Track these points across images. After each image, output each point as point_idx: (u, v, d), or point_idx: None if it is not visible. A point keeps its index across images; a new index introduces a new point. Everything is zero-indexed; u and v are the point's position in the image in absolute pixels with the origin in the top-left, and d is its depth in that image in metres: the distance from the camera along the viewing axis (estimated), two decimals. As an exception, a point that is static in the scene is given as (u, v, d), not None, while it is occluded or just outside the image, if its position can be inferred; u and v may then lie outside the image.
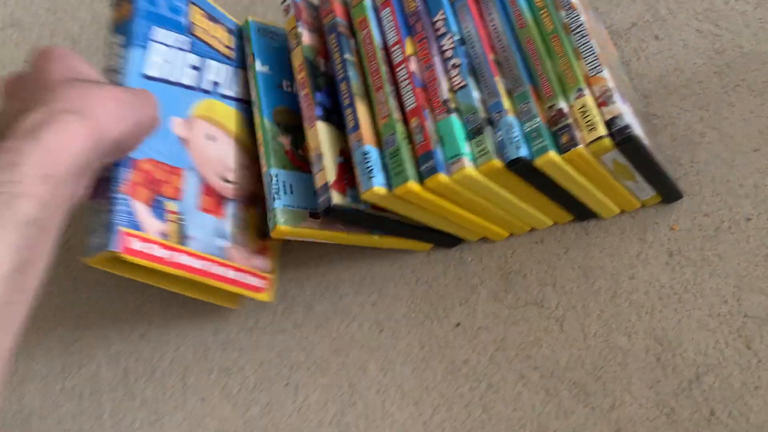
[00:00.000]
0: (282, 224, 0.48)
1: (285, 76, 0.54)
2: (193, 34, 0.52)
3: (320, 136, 0.48)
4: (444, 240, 0.53)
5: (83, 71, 0.40)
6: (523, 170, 0.42)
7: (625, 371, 0.48)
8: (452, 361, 0.51)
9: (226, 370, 0.53)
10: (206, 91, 0.52)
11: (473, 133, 0.43)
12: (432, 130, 0.44)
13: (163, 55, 0.49)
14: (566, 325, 0.50)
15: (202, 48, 0.53)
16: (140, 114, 0.41)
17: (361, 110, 0.47)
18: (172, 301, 0.56)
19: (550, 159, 0.41)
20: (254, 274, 0.50)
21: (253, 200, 0.52)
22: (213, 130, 0.52)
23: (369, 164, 0.45)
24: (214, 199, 0.50)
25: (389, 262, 0.55)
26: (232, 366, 0.53)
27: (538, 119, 0.42)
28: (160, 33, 0.50)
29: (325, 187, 0.48)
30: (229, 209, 0.51)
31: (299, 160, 0.52)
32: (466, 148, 0.43)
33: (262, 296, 0.50)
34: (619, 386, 0.47)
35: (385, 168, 0.45)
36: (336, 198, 0.49)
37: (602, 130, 0.40)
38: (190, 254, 0.46)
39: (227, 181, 0.51)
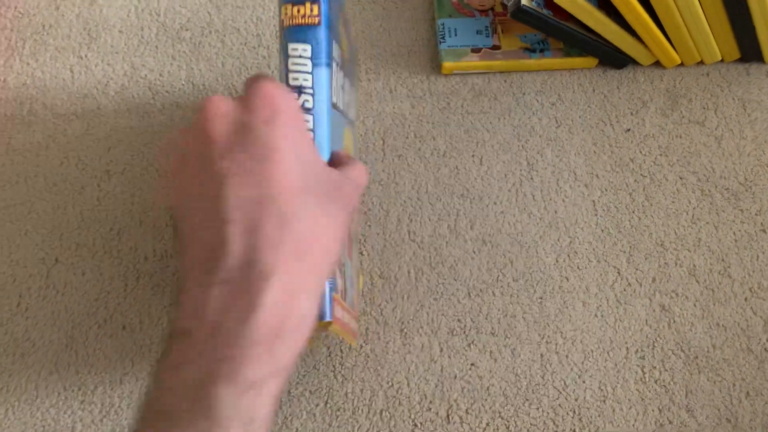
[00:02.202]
0: (447, 61, 0.60)
1: None
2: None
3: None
4: (614, 58, 0.60)
5: (260, 154, 0.29)
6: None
7: (773, 185, 0.56)
8: (620, 158, 0.58)
9: (421, 138, 0.59)
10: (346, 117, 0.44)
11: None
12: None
13: (335, 75, 0.40)
14: (724, 143, 0.58)
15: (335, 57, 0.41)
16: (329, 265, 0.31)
17: None
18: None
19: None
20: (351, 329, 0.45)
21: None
22: None
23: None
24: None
25: (569, 73, 0.62)
26: (426, 135, 0.59)
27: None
28: (334, 48, 0.40)
29: (515, -8, 0.56)
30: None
31: (464, 8, 0.63)
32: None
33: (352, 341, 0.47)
34: (767, 197, 0.56)
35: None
36: (524, 0, 0.56)
37: None
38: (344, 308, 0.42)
39: None
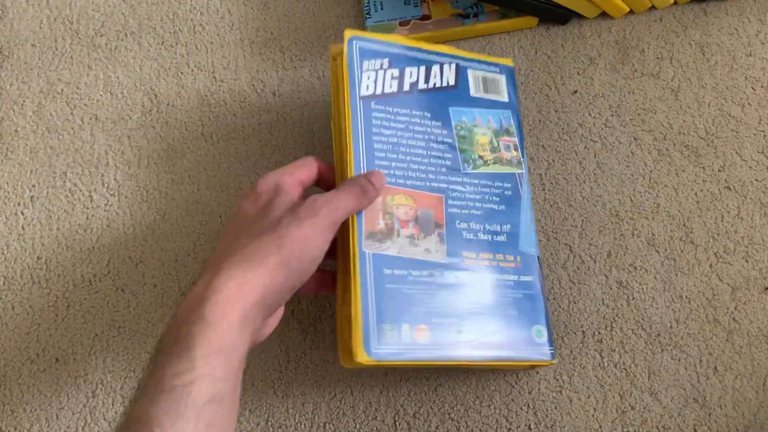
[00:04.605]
0: None
1: None
2: None
3: None
4: (556, 14, 0.55)
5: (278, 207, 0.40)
6: None
7: (737, 137, 0.52)
8: (568, 123, 0.54)
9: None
10: None
11: None
12: None
13: None
14: (681, 94, 0.53)
15: None
16: (309, 257, 0.39)
17: None
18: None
19: None
20: None
21: None
22: None
23: None
24: None
25: (509, 35, 0.57)
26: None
27: None
28: None
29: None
30: None
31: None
32: None
33: None
34: (731, 150, 0.51)
35: None
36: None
37: None
38: None
39: None
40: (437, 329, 0.43)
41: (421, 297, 0.43)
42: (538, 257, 0.47)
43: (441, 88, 0.49)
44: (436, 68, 0.49)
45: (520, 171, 0.49)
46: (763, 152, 0.51)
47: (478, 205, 0.47)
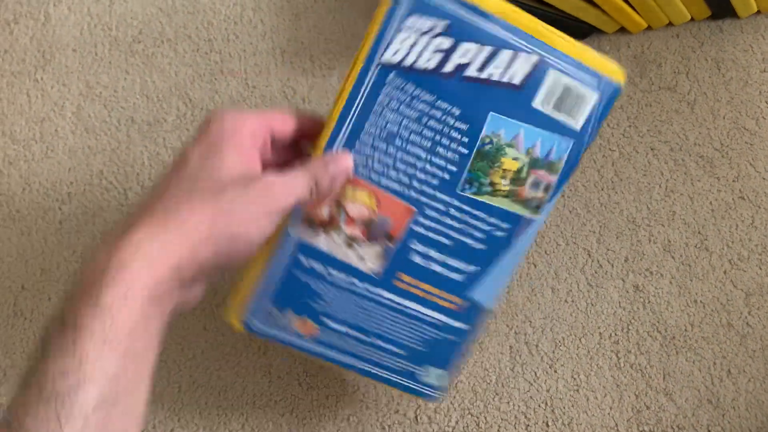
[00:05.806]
0: None
1: None
2: None
3: None
4: (575, 29, 0.57)
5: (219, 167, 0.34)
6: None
7: (751, 149, 0.53)
8: (587, 133, 0.56)
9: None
10: None
11: None
12: None
13: None
14: (697, 107, 0.55)
15: None
16: (246, 240, 0.33)
17: None
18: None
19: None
20: None
21: None
22: None
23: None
24: None
25: (529, 45, 0.59)
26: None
27: None
28: None
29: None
30: None
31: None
32: None
33: None
34: (745, 161, 0.53)
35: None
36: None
37: None
38: None
39: None
40: (330, 332, 0.40)
41: (329, 298, 0.39)
42: (489, 311, 0.41)
43: (496, 84, 0.37)
44: (505, 55, 0.37)
45: (533, 216, 0.39)
46: (776, 163, 0.53)
47: (452, 234, 0.39)
